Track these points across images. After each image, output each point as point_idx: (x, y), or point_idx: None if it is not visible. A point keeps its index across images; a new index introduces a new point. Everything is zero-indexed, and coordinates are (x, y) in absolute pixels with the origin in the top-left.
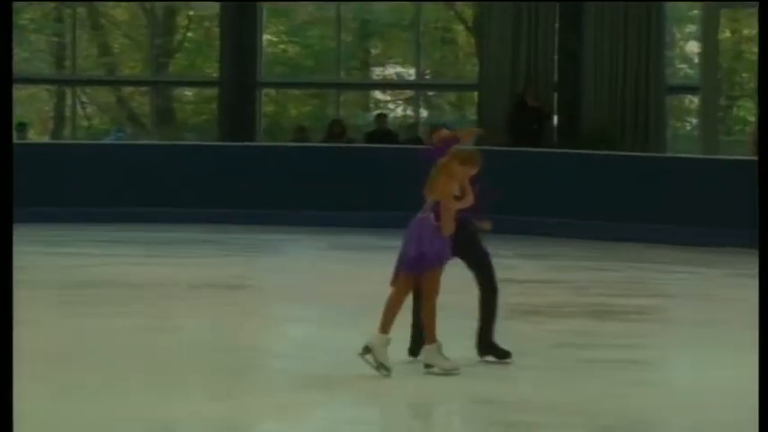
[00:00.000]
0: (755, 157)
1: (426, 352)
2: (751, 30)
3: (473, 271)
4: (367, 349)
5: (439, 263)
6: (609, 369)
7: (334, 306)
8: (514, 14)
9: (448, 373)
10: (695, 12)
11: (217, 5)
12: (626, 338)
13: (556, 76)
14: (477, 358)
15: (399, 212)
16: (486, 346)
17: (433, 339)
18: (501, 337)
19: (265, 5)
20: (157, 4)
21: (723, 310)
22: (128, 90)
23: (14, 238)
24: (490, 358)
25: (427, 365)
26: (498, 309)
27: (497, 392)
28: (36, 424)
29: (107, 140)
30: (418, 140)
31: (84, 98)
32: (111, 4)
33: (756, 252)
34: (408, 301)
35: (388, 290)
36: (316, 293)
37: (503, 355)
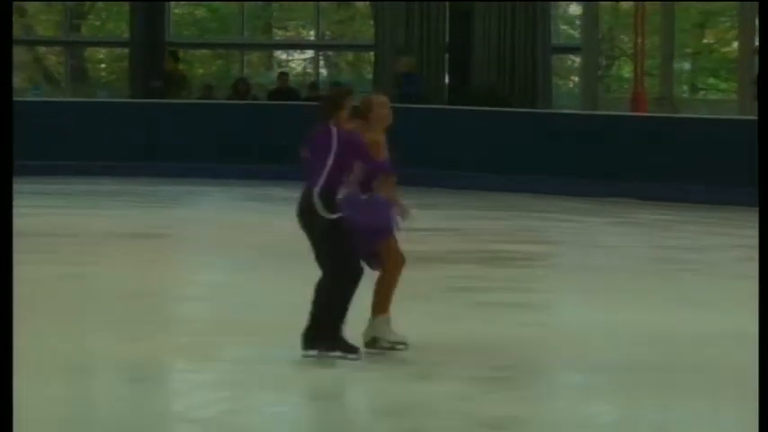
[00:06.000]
0: (633, 113)
1: (377, 322)
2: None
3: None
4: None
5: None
6: (500, 312)
7: (245, 254)
8: None
9: (393, 346)
10: None
11: None
12: (515, 282)
13: (447, 37)
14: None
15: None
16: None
17: (385, 310)
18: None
19: None
20: None
21: (604, 257)
22: (42, 50)
23: None
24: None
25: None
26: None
27: None
28: None
29: (26, 98)
30: (319, 98)
31: None
32: None
33: (635, 201)
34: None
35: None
36: (228, 243)
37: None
